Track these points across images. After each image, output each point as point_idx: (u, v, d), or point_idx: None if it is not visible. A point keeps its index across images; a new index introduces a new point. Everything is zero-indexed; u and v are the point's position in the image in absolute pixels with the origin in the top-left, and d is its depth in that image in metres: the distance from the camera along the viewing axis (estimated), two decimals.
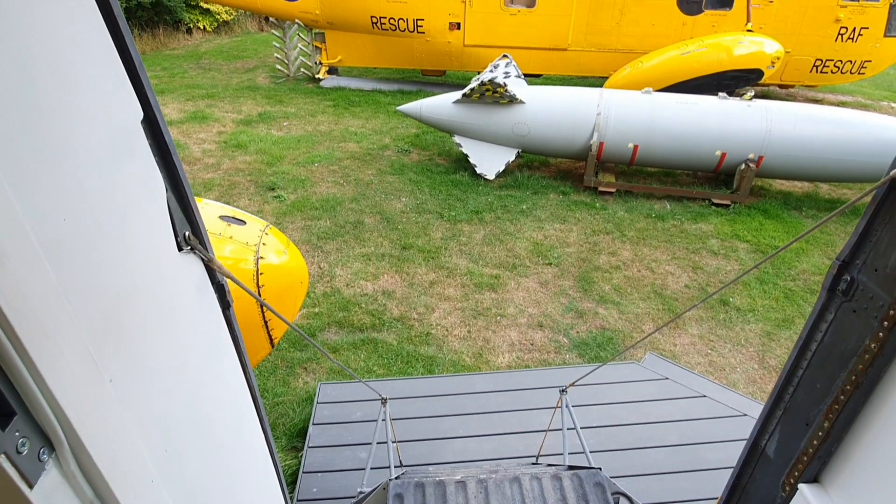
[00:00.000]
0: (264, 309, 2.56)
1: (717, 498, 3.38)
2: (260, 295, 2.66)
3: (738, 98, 7.44)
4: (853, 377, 1.19)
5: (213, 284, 1.17)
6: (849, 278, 1.21)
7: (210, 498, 1.09)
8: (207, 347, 1.12)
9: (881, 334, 1.12)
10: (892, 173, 1.08)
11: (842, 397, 1.22)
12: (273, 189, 7.76)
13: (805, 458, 1.35)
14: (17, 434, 0.63)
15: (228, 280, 1.23)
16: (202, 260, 1.10)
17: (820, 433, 1.29)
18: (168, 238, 0.99)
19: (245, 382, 1.33)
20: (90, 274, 0.73)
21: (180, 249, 1.02)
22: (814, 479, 1.36)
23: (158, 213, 0.96)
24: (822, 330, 1.30)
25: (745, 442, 3.79)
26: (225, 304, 1.22)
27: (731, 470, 3.56)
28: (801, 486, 1.36)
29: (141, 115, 0.90)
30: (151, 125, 0.93)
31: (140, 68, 0.87)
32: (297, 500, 3.32)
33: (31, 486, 0.63)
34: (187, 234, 1.03)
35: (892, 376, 1.15)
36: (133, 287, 0.84)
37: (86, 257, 0.73)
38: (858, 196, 1.30)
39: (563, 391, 2.87)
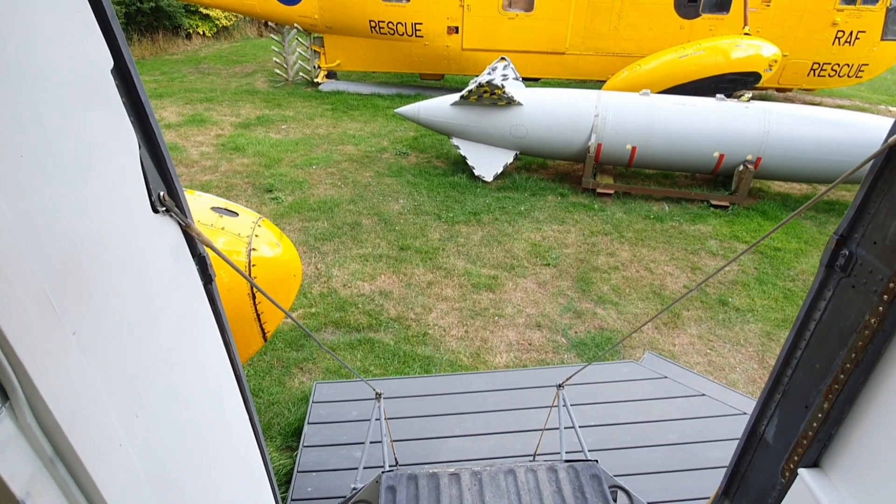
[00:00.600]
0: (256, 301, 2.53)
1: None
2: (252, 290, 2.63)
3: (736, 100, 7.43)
4: (853, 355, 1.16)
5: (193, 256, 1.14)
6: (847, 253, 1.18)
7: (184, 471, 1.05)
8: (183, 317, 1.08)
9: (881, 308, 1.09)
10: (889, 141, 1.06)
11: (842, 376, 1.19)
12: (271, 191, 7.74)
13: (805, 442, 1.31)
14: None
15: (213, 257, 1.20)
16: (180, 226, 1.07)
17: (820, 415, 1.26)
18: (141, 195, 0.95)
19: (228, 361, 1.29)
20: (49, 215, 0.69)
21: (156, 211, 0.99)
22: (814, 464, 1.32)
23: (130, 168, 0.92)
24: (821, 308, 1.26)
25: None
26: (207, 278, 1.18)
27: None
28: (800, 471, 1.33)
29: (111, 63, 0.86)
30: (124, 79, 0.90)
31: (112, 18, 0.85)
32: (292, 500, 3.28)
33: None
34: (162, 194, 1.00)
35: (892, 353, 1.12)
36: (99, 237, 0.80)
37: (44, 197, 0.68)
38: (838, 180, 1.28)
39: (559, 387, 2.84)
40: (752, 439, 1.56)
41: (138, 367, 0.90)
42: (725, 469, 3.51)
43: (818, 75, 11.66)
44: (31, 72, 0.67)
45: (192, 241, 1.12)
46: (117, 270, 0.85)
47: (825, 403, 1.24)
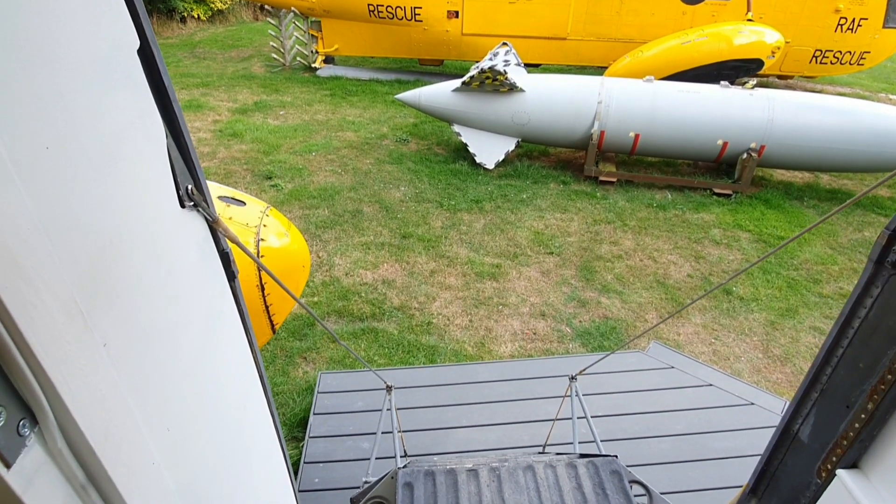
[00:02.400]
0: (265, 293, 2.47)
1: (726, 487, 3.33)
2: (261, 282, 2.58)
3: (740, 87, 7.37)
4: None
5: (218, 252, 1.08)
6: None
7: (214, 482, 1.00)
8: (209, 318, 1.02)
9: None
10: None
11: (889, 377, 1.15)
12: (270, 178, 7.64)
13: (844, 443, 1.27)
14: None
15: (234, 249, 1.14)
16: (206, 221, 1.01)
17: (863, 416, 1.22)
18: (168, 189, 0.89)
19: (252, 359, 1.24)
20: (76, 211, 0.63)
21: (182, 206, 0.92)
22: (853, 465, 1.29)
23: (157, 159, 0.85)
24: (867, 305, 1.22)
25: (753, 430, 3.72)
26: (230, 275, 1.13)
27: (740, 459, 3.50)
28: (839, 471, 1.29)
29: (137, 43, 0.80)
30: (148, 62, 0.83)
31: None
32: (299, 491, 3.25)
33: (8, 466, 0.53)
34: (190, 188, 0.94)
35: None
36: (128, 235, 0.74)
37: (71, 191, 0.62)
38: (879, 181, 1.22)
39: (572, 379, 2.81)
40: (784, 438, 1.52)
41: (168, 375, 0.84)
42: (733, 459, 3.51)
43: (820, 62, 11.57)
44: (56, 52, 0.60)
45: (216, 236, 1.06)
46: (147, 271, 0.78)
47: (869, 404, 1.20)
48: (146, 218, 0.80)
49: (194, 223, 0.98)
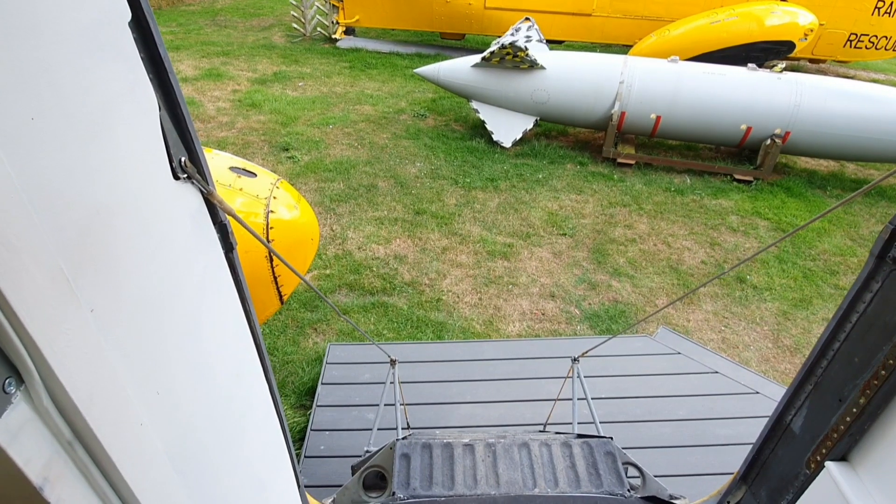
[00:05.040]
0: (274, 264, 2.51)
1: (724, 473, 3.35)
2: (269, 251, 2.62)
3: (768, 70, 7.15)
4: None
5: (214, 224, 1.11)
6: None
7: (205, 444, 1.04)
8: (203, 288, 1.05)
9: None
10: None
11: (883, 372, 1.15)
12: (287, 150, 7.67)
13: (835, 436, 1.28)
14: None
15: (234, 223, 1.16)
16: (201, 193, 1.03)
17: (854, 409, 1.22)
18: (161, 161, 0.90)
19: (248, 330, 1.27)
20: (62, 182, 0.65)
21: (176, 178, 0.94)
22: (841, 458, 1.29)
23: (149, 130, 0.87)
24: (866, 300, 1.21)
25: (756, 419, 3.72)
26: (228, 247, 1.15)
27: (741, 446, 3.51)
28: (827, 463, 1.30)
29: (128, 15, 0.80)
30: (142, 32, 0.84)
31: None
32: (305, 457, 3.35)
33: None
34: (183, 160, 0.95)
35: None
36: (117, 206, 0.76)
37: (57, 163, 0.64)
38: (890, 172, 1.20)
39: (574, 360, 2.83)
40: (776, 428, 1.53)
41: (158, 342, 0.88)
42: (734, 446, 3.52)
43: (854, 47, 11.16)
44: (40, 24, 0.61)
45: (214, 207, 1.08)
46: (136, 242, 0.81)
47: (861, 398, 1.20)
48: (136, 189, 0.82)
49: (188, 195, 1.00)
